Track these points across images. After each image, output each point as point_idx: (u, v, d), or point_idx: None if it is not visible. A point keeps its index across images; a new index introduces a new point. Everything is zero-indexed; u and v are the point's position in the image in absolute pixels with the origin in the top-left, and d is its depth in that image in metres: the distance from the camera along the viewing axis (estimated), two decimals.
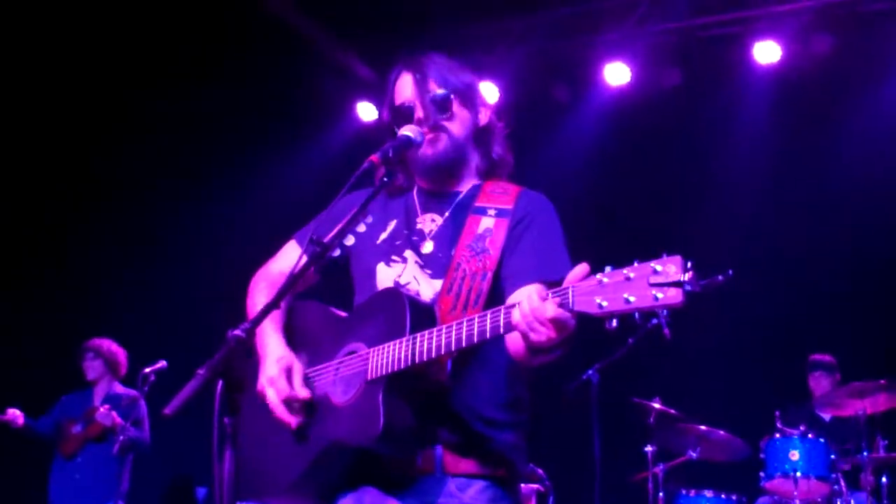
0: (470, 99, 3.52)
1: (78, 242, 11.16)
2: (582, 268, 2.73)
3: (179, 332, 9.80)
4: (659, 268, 2.57)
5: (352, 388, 3.15)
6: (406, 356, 3.00)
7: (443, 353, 2.95)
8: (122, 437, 8.80)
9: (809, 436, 8.21)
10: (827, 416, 9.08)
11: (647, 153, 10.80)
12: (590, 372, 8.32)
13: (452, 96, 3.46)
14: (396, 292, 3.22)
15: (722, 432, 8.41)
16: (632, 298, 2.58)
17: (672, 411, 8.54)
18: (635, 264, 2.62)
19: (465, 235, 3.35)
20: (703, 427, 8.40)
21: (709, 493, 8.31)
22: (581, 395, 8.30)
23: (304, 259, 3.05)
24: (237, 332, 2.64)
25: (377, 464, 3.13)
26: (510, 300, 3.10)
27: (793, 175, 10.42)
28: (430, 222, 3.47)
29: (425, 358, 2.97)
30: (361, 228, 3.52)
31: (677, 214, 10.30)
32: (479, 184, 3.53)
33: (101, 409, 8.99)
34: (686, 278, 2.54)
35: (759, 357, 9.83)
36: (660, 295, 2.55)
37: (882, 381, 7.87)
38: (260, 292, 3.60)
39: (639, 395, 8.62)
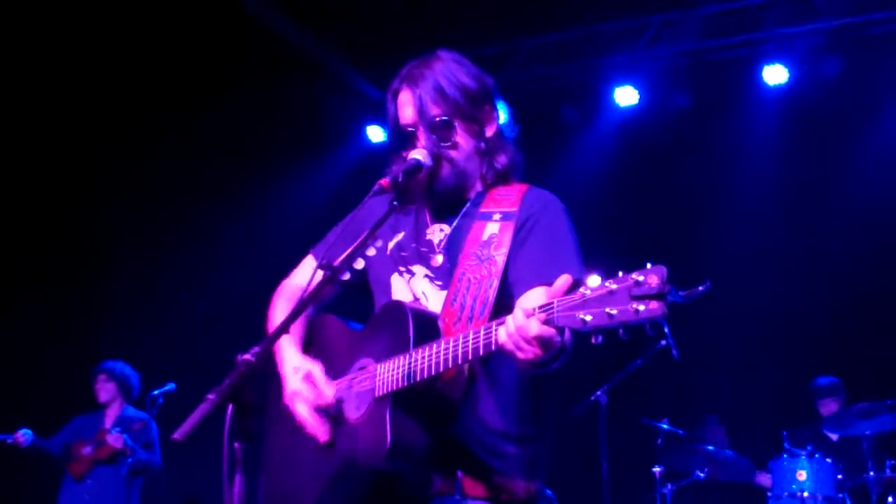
0: (474, 115, 3.40)
1: (91, 262, 11.18)
2: (564, 280, 2.70)
3: (189, 353, 9.85)
4: (641, 279, 2.52)
5: (363, 405, 3.13)
6: (411, 372, 2.97)
7: (441, 370, 2.92)
8: (131, 460, 8.83)
9: (817, 456, 8.22)
10: (835, 437, 9.08)
11: (656, 175, 10.82)
12: (598, 393, 8.32)
13: (455, 122, 3.36)
14: (400, 305, 3.20)
15: (729, 452, 8.42)
16: (614, 312, 2.54)
17: (680, 432, 8.56)
18: (619, 275, 2.57)
19: (469, 244, 3.30)
20: (710, 447, 8.41)
21: None
22: (589, 416, 8.32)
23: (315, 282, 3.06)
24: (247, 356, 2.62)
25: (391, 486, 3.08)
26: (518, 304, 3.02)
27: (801, 197, 10.43)
28: (439, 232, 3.42)
29: (425, 375, 2.95)
30: (371, 252, 3.42)
31: (686, 236, 10.31)
32: (485, 190, 3.44)
33: (112, 432, 9.01)
34: (667, 290, 2.49)
35: (765, 378, 9.83)
36: (641, 308, 2.50)
37: (889, 402, 7.88)
38: (279, 309, 3.58)
39: (647, 416, 8.64)
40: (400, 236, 3.47)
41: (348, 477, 3.13)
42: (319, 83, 10.95)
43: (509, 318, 2.74)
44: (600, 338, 2.59)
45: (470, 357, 2.87)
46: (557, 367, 2.90)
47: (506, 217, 3.30)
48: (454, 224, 3.41)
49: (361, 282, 3.55)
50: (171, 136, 10.72)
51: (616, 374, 8.42)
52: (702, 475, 8.58)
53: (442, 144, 3.34)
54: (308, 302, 3.01)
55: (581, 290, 2.62)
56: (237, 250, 10.92)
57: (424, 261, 3.39)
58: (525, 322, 2.70)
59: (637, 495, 8.72)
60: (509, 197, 3.37)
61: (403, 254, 3.43)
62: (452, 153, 3.36)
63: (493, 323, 2.82)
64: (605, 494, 8.06)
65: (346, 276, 3.47)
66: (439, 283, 3.32)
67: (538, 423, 3.29)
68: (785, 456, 8.29)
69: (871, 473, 7.94)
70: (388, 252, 3.47)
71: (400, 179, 3.19)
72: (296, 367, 3.30)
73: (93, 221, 11.20)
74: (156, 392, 9.14)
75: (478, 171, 3.44)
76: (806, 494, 7.99)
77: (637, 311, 2.51)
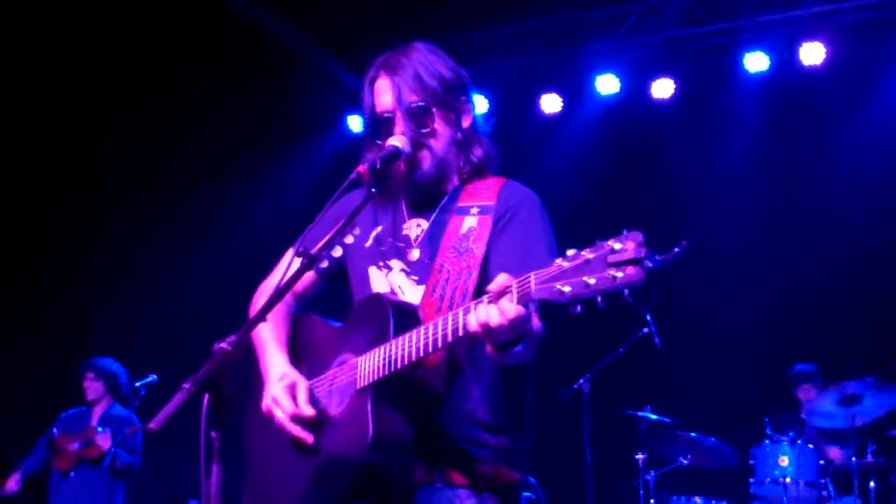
0: (451, 104, 3.39)
1: (72, 252, 11.13)
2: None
3: (171, 344, 9.81)
4: (618, 246, 2.51)
5: (344, 398, 3.11)
6: (390, 360, 2.96)
7: (421, 355, 2.90)
8: (108, 462, 8.81)
9: (798, 442, 8.25)
10: (815, 422, 9.11)
11: (638, 164, 10.82)
12: (581, 381, 8.36)
13: (433, 108, 3.35)
14: (379, 298, 3.18)
15: (712, 439, 8.45)
16: (591, 281, 2.51)
17: (662, 419, 8.59)
18: (595, 244, 2.56)
19: (447, 237, 3.28)
20: (693, 434, 8.43)
21: (699, 500, 8.35)
22: (572, 404, 8.34)
23: (292, 272, 3.02)
24: (223, 344, 2.60)
25: (375, 478, 3.06)
26: None
27: (783, 184, 10.44)
28: (415, 227, 3.40)
29: (405, 362, 2.93)
30: (349, 240, 3.48)
31: (667, 225, 10.30)
32: (462, 184, 3.43)
33: (101, 431, 8.97)
34: (643, 254, 2.47)
35: (747, 365, 9.85)
36: (619, 274, 2.48)
37: (871, 379, 7.90)
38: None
39: (629, 403, 8.66)
40: (379, 230, 3.45)
41: (332, 472, 3.11)
42: (299, 73, 10.91)
43: (483, 299, 2.75)
44: (579, 307, 2.57)
45: (450, 339, 2.85)
46: (521, 352, 2.87)
47: (483, 211, 3.29)
48: (432, 219, 3.39)
49: (340, 273, 3.53)
50: (151, 129, 10.68)
51: (599, 362, 8.44)
52: (685, 461, 8.60)
53: (420, 131, 3.32)
54: (285, 290, 2.96)
55: (557, 261, 2.60)
56: (218, 240, 10.88)
57: (401, 255, 3.37)
58: (493, 304, 2.71)
59: (620, 482, 8.74)
60: (486, 191, 3.36)
61: (382, 248, 3.41)
62: (430, 140, 3.34)
63: (472, 303, 2.81)
64: (589, 481, 8.09)
65: (325, 265, 3.48)
66: (415, 277, 3.31)
67: (519, 414, 3.28)
68: (767, 442, 8.32)
69: (854, 459, 7.96)
70: (368, 245, 3.45)
71: (378, 166, 3.16)
72: (284, 373, 3.28)
73: (74, 212, 11.13)
74: (138, 384, 9.11)
75: (455, 163, 3.43)
76: (788, 480, 8.02)
77: (614, 277, 2.49)
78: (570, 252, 2.59)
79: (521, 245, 3.20)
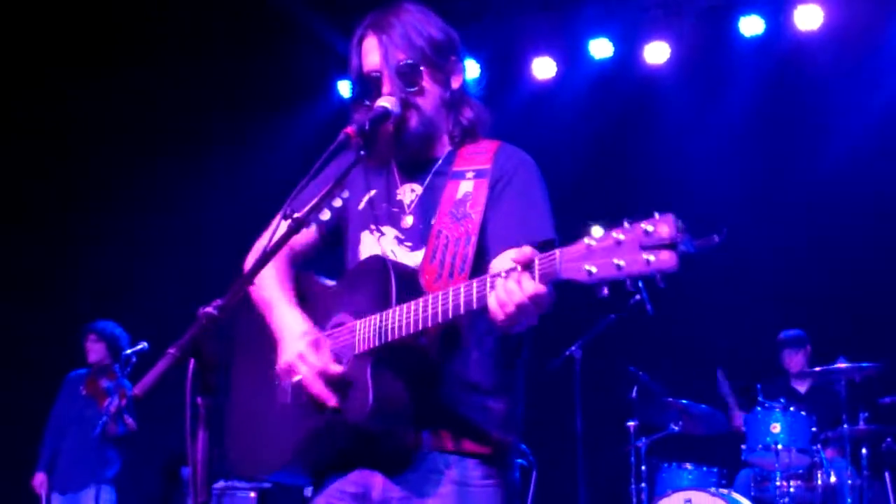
0: (440, 64, 3.32)
1: (61, 219, 11.08)
2: (529, 249, 2.66)
3: (162, 312, 9.75)
4: (650, 228, 2.43)
5: (340, 362, 3.05)
6: (393, 328, 2.90)
7: (430, 325, 2.85)
8: (101, 428, 8.82)
9: (791, 409, 8.24)
10: (803, 389, 9.11)
11: (632, 127, 10.78)
12: (572, 348, 8.33)
13: (422, 67, 3.28)
14: (382, 261, 3.11)
15: (703, 406, 8.44)
16: (622, 263, 2.43)
17: (654, 386, 8.57)
18: (626, 225, 2.47)
19: (444, 203, 3.23)
20: (684, 401, 8.42)
21: (690, 466, 8.36)
22: (564, 371, 8.31)
23: (279, 234, 2.94)
24: (209, 309, 2.55)
25: (369, 441, 3.02)
26: (493, 266, 2.95)
27: (776, 149, 10.40)
28: (409, 193, 3.35)
29: (412, 330, 2.87)
30: (338, 203, 3.42)
31: (660, 189, 10.29)
32: (455, 149, 3.37)
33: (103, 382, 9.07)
34: (680, 238, 2.39)
35: (738, 332, 9.83)
36: (651, 258, 2.40)
37: (864, 364, 7.93)
38: (269, 269, 3.34)
39: (621, 370, 8.64)
40: (372, 193, 3.40)
41: (328, 433, 3.05)
42: (289, 37, 10.81)
43: (498, 282, 2.67)
44: (605, 290, 2.50)
45: (462, 311, 2.78)
46: (528, 322, 2.81)
47: (479, 175, 3.23)
48: (425, 183, 3.34)
49: (336, 231, 3.48)
50: (137, 92, 10.60)
51: (590, 328, 8.41)
52: (676, 429, 8.60)
53: (408, 90, 3.26)
54: (272, 253, 2.88)
55: (584, 240, 2.51)
56: (208, 205, 10.82)
57: (394, 221, 3.31)
58: (517, 282, 2.63)
59: (611, 449, 8.73)
60: (481, 154, 3.30)
61: (375, 212, 3.36)
62: (419, 100, 3.27)
63: (487, 276, 2.74)
64: (580, 448, 8.07)
65: (326, 216, 3.40)
66: (409, 244, 3.26)
67: (515, 377, 3.24)
68: (758, 409, 8.30)
69: (845, 426, 7.96)
70: (361, 208, 3.40)
71: (367, 127, 3.08)
72: (305, 330, 3.16)
73: (58, 177, 11.05)
74: (129, 351, 9.08)
75: (445, 126, 3.37)
76: (780, 447, 8.00)
77: (648, 262, 2.41)
78: (597, 231, 2.51)
79: (520, 211, 3.15)
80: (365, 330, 2.99)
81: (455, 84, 3.37)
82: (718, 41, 10.48)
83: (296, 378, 3.10)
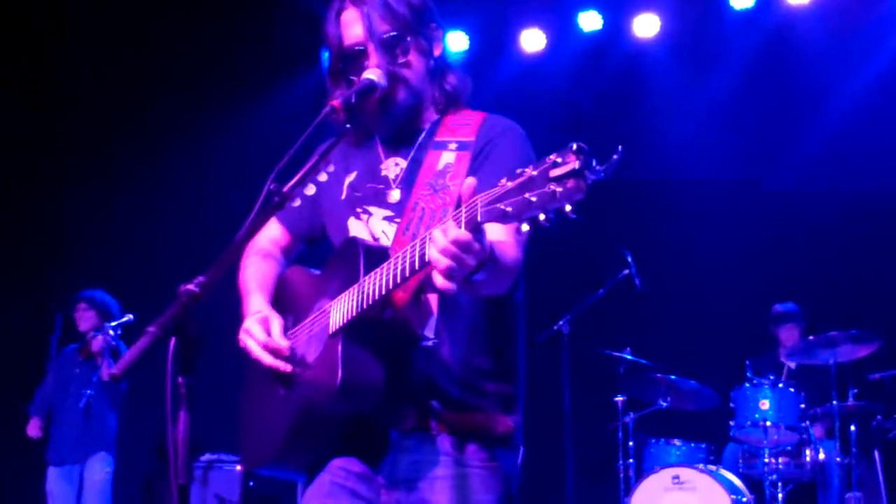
0: (422, 32, 3.25)
1: (48, 190, 11.02)
2: (470, 181, 2.57)
3: (148, 284, 9.69)
4: (559, 159, 2.38)
5: (319, 345, 3.02)
6: (358, 301, 2.86)
7: (387, 290, 2.78)
8: (92, 393, 8.84)
9: (780, 385, 8.21)
10: (793, 365, 9.08)
11: (621, 100, 10.72)
12: (560, 322, 8.30)
13: (407, 37, 3.20)
14: (352, 241, 3.07)
15: (692, 382, 8.41)
16: (533, 198, 2.39)
17: (642, 361, 8.55)
18: (539, 160, 2.44)
19: (423, 173, 3.15)
20: (672, 377, 8.40)
21: (678, 442, 8.34)
22: (552, 345, 8.28)
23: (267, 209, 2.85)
24: (190, 286, 2.48)
25: (354, 428, 3.00)
26: None
27: (766, 125, 10.35)
28: (394, 167, 3.28)
29: (372, 299, 2.81)
30: (323, 177, 3.36)
31: (648, 166, 10.25)
32: (440, 117, 3.30)
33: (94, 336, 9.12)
34: (580, 165, 2.35)
35: (728, 307, 9.80)
36: (559, 189, 2.36)
37: (854, 332, 7.87)
38: (252, 266, 3.43)
39: (609, 345, 8.61)
40: (353, 176, 3.33)
41: (309, 423, 3.00)
42: (274, 6, 10.69)
43: (436, 230, 2.59)
44: (525, 226, 2.44)
45: (413, 270, 2.70)
46: (484, 281, 2.70)
47: (462, 147, 3.16)
48: (410, 156, 3.27)
49: (322, 236, 3.45)
50: (129, 65, 10.52)
51: (579, 303, 8.38)
52: (664, 404, 8.57)
53: (396, 62, 3.19)
54: (254, 229, 2.79)
55: (502, 181, 2.48)
56: (193, 178, 10.76)
57: (381, 199, 3.24)
58: (441, 232, 2.56)
59: (599, 424, 8.71)
60: (466, 126, 3.23)
61: (357, 194, 3.29)
62: (406, 72, 3.20)
63: (427, 233, 2.66)
64: (567, 424, 8.05)
65: (297, 203, 3.35)
66: (399, 220, 3.17)
67: (512, 357, 3.20)
68: (747, 385, 8.27)
69: (835, 402, 7.95)
70: (343, 196, 3.32)
71: (353, 101, 3.02)
72: (258, 310, 3.18)
73: (45, 148, 10.97)
74: (114, 323, 9.06)
75: (429, 93, 3.30)
76: (769, 424, 7.98)
77: (555, 192, 2.37)
78: (518, 171, 2.47)
79: (501, 173, 3.00)
80: (336, 310, 2.95)
81: (437, 51, 3.31)
82: (708, 14, 10.43)
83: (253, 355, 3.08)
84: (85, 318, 9.40)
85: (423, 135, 3.29)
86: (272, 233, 3.48)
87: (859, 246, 9.66)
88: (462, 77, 3.35)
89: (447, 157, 3.15)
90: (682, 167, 10.13)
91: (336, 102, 3.00)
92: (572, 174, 2.36)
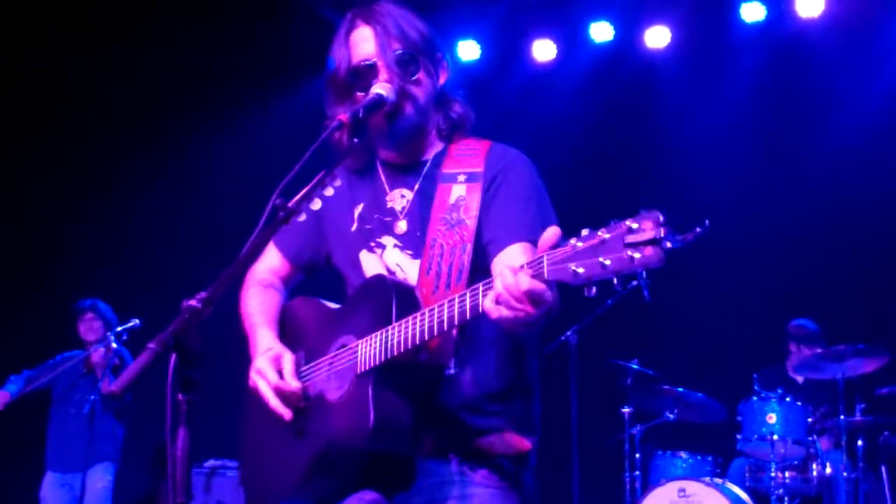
0: (431, 57, 3.29)
1: (52, 194, 11.01)
2: (553, 231, 2.55)
3: (155, 289, 9.69)
4: (635, 226, 2.39)
5: (344, 383, 3.02)
6: (392, 345, 2.86)
7: (427, 337, 2.80)
8: (96, 398, 8.82)
9: (787, 399, 8.18)
10: (800, 379, 9.04)
11: (631, 112, 10.70)
12: (568, 333, 8.29)
13: (418, 58, 3.25)
14: (382, 279, 3.07)
15: (699, 394, 8.38)
16: (607, 262, 2.40)
17: (649, 373, 8.52)
18: (611, 224, 2.44)
19: (436, 208, 3.17)
20: (680, 389, 8.37)
21: (685, 455, 8.31)
22: (559, 356, 8.26)
23: (274, 222, 2.86)
24: (192, 302, 2.47)
25: (376, 462, 3.02)
26: (496, 269, 2.92)
27: (778, 137, 10.32)
28: (399, 199, 3.29)
29: (410, 345, 2.83)
30: (329, 192, 3.32)
31: (661, 173, 10.23)
32: (445, 148, 3.33)
33: (95, 349, 9.03)
34: (662, 234, 2.35)
35: (736, 320, 9.77)
36: (637, 255, 2.37)
37: (861, 346, 7.84)
38: (252, 296, 3.46)
39: (616, 356, 8.59)
40: (360, 208, 3.35)
41: (331, 460, 3.03)
42: (285, 11, 10.69)
43: (497, 279, 2.60)
44: (594, 290, 2.48)
45: (456, 322, 2.75)
46: (543, 325, 2.79)
47: (471, 178, 3.19)
48: (416, 188, 3.29)
49: (325, 265, 3.48)
50: (136, 70, 10.54)
51: (586, 314, 8.36)
52: (671, 416, 8.56)
53: (407, 79, 3.21)
54: (261, 244, 2.81)
55: (571, 241, 2.49)
56: (202, 185, 10.75)
57: (389, 230, 3.26)
58: (514, 279, 2.56)
59: (606, 436, 8.68)
60: (472, 156, 3.25)
61: (368, 226, 3.30)
62: (415, 90, 3.22)
63: (480, 285, 2.69)
64: (574, 435, 8.04)
65: (302, 218, 3.34)
66: (409, 252, 3.21)
67: (525, 377, 3.22)
68: (755, 398, 8.25)
69: (842, 417, 7.92)
70: (353, 229, 3.33)
71: (361, 115, 3.04)
72: (268, 346, 3.21)
73: (53, 153, 10.97)
74: (120, 328, 9.03)
75: (434, 120, 3.33)
76: (776, 437, 7.95)
77: (632, 258, 2.38)
78: (585, 232, 2.48)
79: (516, 211, 3.12)
80: (365, 349, 2.96)
81: (442, 79, 3.34)
82: (719, 27, 10.40)
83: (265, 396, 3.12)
84: (93, 329, 9.35)
85: (427, 166, 3.31)
86: (271, 262, 3.49)
87: (868, 259, 9.61)
88: (466, 106, 3.38)
89: (458, 191, 3.17)
90: (692, 178, 10.10)
91: (343, 117, 3.01)
92: (651, 242, 2.37)
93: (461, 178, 3.20)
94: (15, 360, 9.59)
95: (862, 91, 10.06)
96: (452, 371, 3.02)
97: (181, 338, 2.40)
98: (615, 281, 2.43)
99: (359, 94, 3.20)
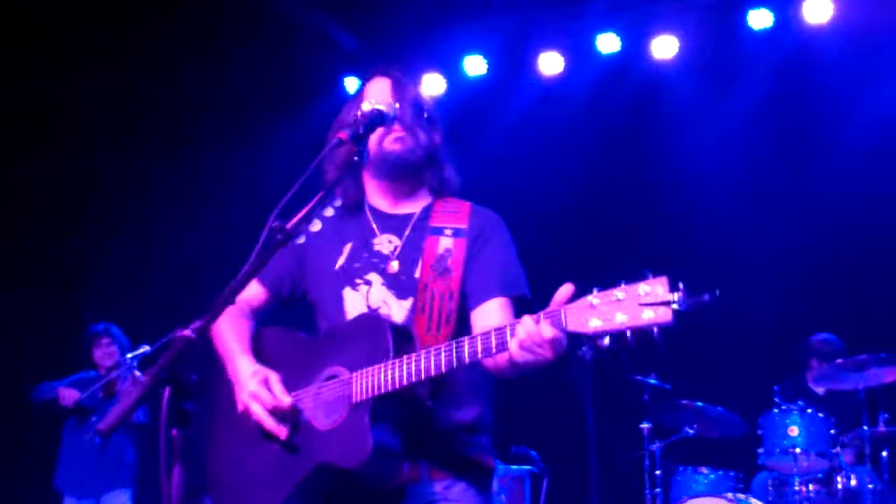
0: (433, 117, 3.61)
1: (66, 218, 11.04)
2: (567, 288, 2.83)
3: (164, 314, 9.62)
4: (647, 289, 2.69)
5: (336, 411, 3.19)
6: (393, 379, 3.07)
7: (432, 374, 3.04)
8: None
9: (809, 411, 8.05)
10: (821, 391, 8.91)
11: (640, 123, 10.64)
12: (584, 349, 8.17)
13: (425, 113, 3.55)
14: (377, 317, 3.33)
15: (719, 408, 8.27)
16: (624, 318, 2.69)
17: (667, 387, 8.42)
18: (622, 286, 2.73)
19: (426, 256, 3.45)
20: (699, 403, 8.26)
21: (706, 470, 8.20)
22: (575, 372, 8.16)
23: (271, 244, 2.93)
24: (186, 332, 2.46)
25: (363, 484, 3.18)
26: (476, 318, 3.38)
27: (790, 146, 10.25)
28: (387, 243, 3.53)
29: (413, 380, 3.05)
30: (316, 227, 3.60)
31: (669, 185, 10.13)
32: (430, 203, 3.61)
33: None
34: (675, 298, 2.66)
35: (754, 331, 9.66)
36: (651, 314, 2.66)
37: (883, 355, 7.71)
38: (225, 327, 3.58)
39: (634, 371, 8.48)
40: (349, 247, 3.57)
41: (319, 481, 3.20)
42: (293, 33, 10.66)
43: (519, 326, 2.87)
44: (607, 340, 2.74)
45: (467, 361, 3.00)
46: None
47: (457, 233, 3.51)
48: (405, 235, 3.53)
49: (301, 298, 3.69)
50: (150, 89, 10.54)
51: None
52: (691, 431, 8.45)
53: (417, 121, 3.51)
54: (258, 266, 2.84)
55: (588, 298, 2.77)
56: (211, 208, 10.71)
57: (379, 269, 3.50)
58: (536, 328, 2.84)
59: (625, 453, 8.58)
60: (457, 214, 3.57)
61: (356, 265, 3.52)
62: (421, 134, 3.52)
63: (492, 329, 2.97)
64: (592, 452, 7.93)
65: (301, 240, 3.57)
66: (394, 291, 3.46)
67: (489, 408, 3.53)
68: (775, 411, 8.11)
69: (865, 428, 7.78)
70: (337, 267, 3.54)
71: (361, 131, 3.16)
72: (254, 371, 3.38)
73: (69, 178, 10.96)
74: (130, 355, 8.96)
75: (427, 174, 3.62)
76: (798, 450, 7.82)
77: (647, 316, 2.68)
78: (596, 291, 2.77)
79: (498, 267, 3.48)
80: (362, 381, 3.14)
81: (437, 140, 3.64)
82: (727, 35, 10.32)
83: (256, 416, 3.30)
84: (109, 354, 9.34)
85: (415, 218, 3.57)
86: (248, 290, 3.56)
87: (887, 267, 9.50)
88: (454, 171, 3.69)
89: (445, 243, 3.49)
90: (702, 189, 10.02)
91: (343, 134, 3.13)
92: (663, 304, 2.67)
93: (448, 231, 3.51)
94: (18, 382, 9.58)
95: (874, 96, 9.97)
96: (430, 404, 3.23)
97: (175, 370, 2.33)
98: (628, 333, 2.71)
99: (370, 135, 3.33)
